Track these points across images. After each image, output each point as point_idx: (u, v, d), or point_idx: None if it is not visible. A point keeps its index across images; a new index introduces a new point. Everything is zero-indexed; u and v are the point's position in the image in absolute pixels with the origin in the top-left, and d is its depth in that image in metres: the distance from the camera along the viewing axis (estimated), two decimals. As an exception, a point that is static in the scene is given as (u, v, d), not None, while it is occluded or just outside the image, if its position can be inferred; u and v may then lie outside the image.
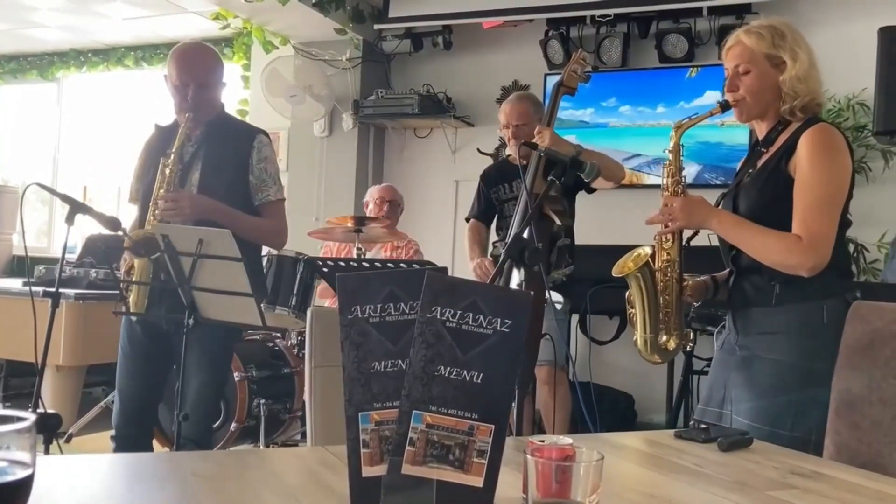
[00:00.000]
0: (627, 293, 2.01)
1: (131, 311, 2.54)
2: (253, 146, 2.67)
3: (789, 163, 1.89)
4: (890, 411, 1.52)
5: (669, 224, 1.98)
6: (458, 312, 0.91)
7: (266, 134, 2.77)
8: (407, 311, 0.93)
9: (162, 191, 2.54)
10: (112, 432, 2.72)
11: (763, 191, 1.93)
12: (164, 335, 2.65)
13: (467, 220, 3.66)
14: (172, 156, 2.56)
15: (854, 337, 1.60)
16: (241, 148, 2.67)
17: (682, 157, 2.03)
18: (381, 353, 0.92)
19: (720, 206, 2.05)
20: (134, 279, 2.50)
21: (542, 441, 0.97)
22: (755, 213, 1.92)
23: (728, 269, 2.06)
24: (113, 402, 2.75)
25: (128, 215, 2.82)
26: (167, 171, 2.55)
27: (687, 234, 2.04)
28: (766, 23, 1.99)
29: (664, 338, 2.00)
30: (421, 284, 0.91)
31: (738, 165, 2.15)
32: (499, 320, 0.91)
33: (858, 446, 1.55)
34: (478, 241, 3.55)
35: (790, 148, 1.90)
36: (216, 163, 2.63)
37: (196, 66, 2.64)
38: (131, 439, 2.68)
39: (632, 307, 2.01)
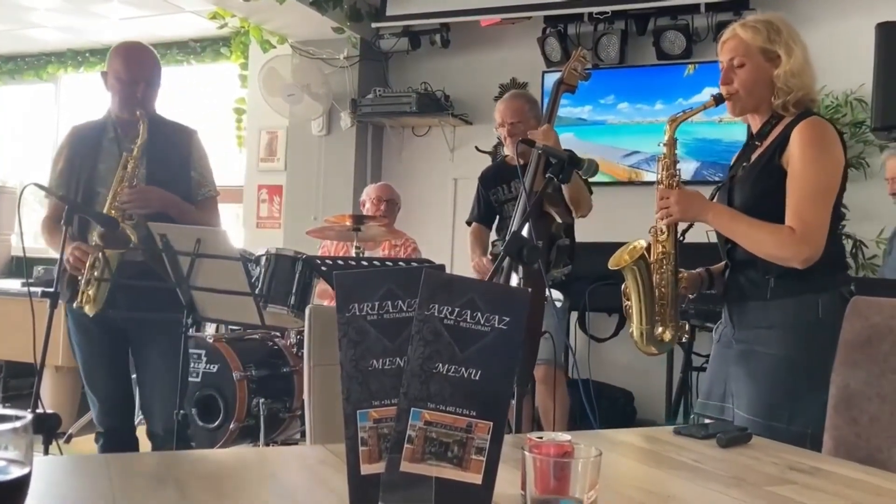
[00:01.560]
0: (623, 286, 2.02)
1: (89, 307, 2.54)
2: (192, 143, 2.78)
3: (782, 156, 1.90)
4: (888, 407, 1.52)
5: (665, 217, 1.98)
6: (456, 310, 0.91)
7: (198, 132, 2.86)
8: (405, 308, 0.93)
9: (124, 184, 2.57)
10: (98, 429, 2.73)
11: (756, 184, 1.94)
12: (120, 329, 2.67)
13: (468, 223, 3.65)
14: (135, 151, 2.60)
15: (852, 333, 1.60)
16: (182, 145, 2.76)
17: (676, 151, 2.03)
18: (379, 350, 0.92)
19: (715, 199, 2.06)
20: (98, 273, 2.50)
21: (541, 438, 0.97)
22: (749, 206, 1.93)
23: (724, 262, 2.07)
24: None
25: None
26: (129, 166, 2.59)
27: (682, 226, 2.05)
28: (763, 17, 2.01)
29: (660, 329, 2.00)
30: (418, 282, 0.91)
31: (733, 159, 2.16)
32: (496, 317, 0.91)
33: (857, 441, 1.55)
34: (480, 244, 3.54)
35: (783, 141, 1.91)
36: (160, 160, 2.68)
37: (145, 63, 2.71)
38: (116, 433, 2.71)
39: (628, 300, 2.01)
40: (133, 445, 2.76)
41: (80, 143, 2.73)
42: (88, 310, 2.53)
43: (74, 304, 2.57)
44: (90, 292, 2.52)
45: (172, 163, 2.72)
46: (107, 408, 2.70)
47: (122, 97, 2.67)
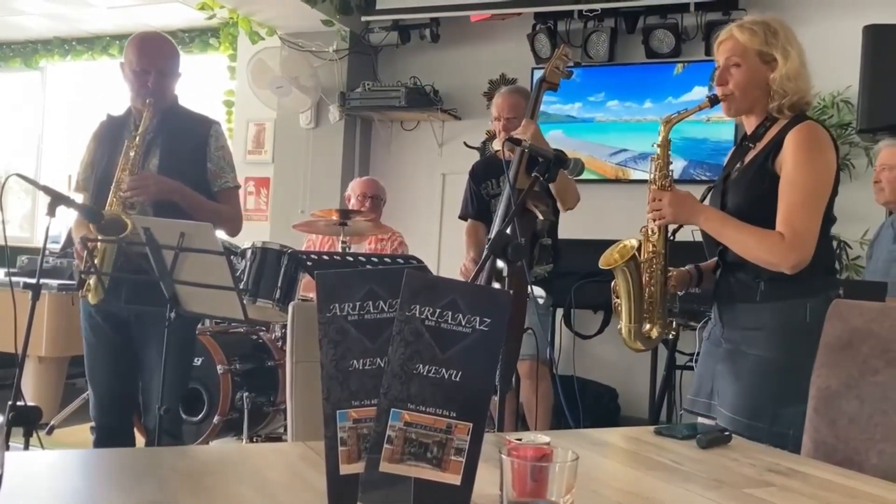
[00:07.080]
0: (613, 283, 2.03)
1: (91, 296, 2.52)
2: (210, 134, 2.73)
3: (775, 161, 1.90)
4: (867, 409, 1.53)
5: (657, 219, 1.99)
6: (437, 311, 0.91)
7: (219, 123, 2.83)
8: (386, 309, 0.93)
9: (126, 173, 2.54)
10: (91, 424, 2.71)
11: (750, 189, 1.95)
12: (125, 323, 2.64)
13: (462, 218, 3.62)
14: (137, 138, 2.57)
15: (833, 335, 1.61)
16: (198, 136, 2.72)
17: (670, 152, 2.04)
18: (360, 351, 0.92)
19: (708, 200, 2.07)
20: (97, 261, 2.48)
21: (520, 440, 0.98)
22: (742, 209, 1.94)
23: (714, 260, 2.08)
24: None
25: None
26: (131, 153, 2.56)
27: (672, 226, 2.06)
28: (760, 19, 2.00)
29: (647, 326, 2.02)
30: (400, 282, 0.91)
31: (726, 159, 2.16)
32: (478, 319, 0.91)
33: (836, 443, 1.56)
34: (475, 242, 3.50)
35: (777, 145, 1.91)
36: (174, 150, 2.65)
37: (157, 53, 2.68)
38: (111, 430, 2.68)
39: (617, 297, 2.03)
40: (129, 444, 2.73)
41: (103, 136, 2.72)
42: (91, 299, 2.52)
43: (80, 294, 2.55)
44: (91, 282, 2.51)
45: (186, 153, 2.67)
46: (103, 403, 2.66)
47: (135, 88, 2.66)
